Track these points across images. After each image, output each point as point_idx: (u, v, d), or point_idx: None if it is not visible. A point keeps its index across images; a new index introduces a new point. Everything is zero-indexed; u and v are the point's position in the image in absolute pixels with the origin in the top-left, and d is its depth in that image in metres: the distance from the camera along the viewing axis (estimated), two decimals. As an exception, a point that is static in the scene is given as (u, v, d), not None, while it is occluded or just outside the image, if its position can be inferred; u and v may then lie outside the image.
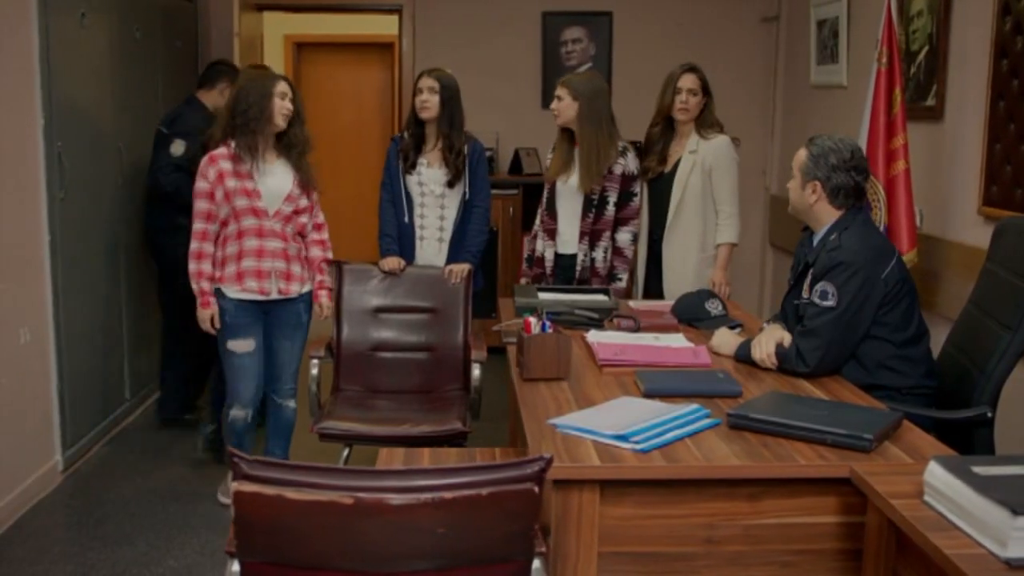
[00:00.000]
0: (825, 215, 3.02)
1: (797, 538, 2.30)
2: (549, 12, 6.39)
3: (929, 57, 4.28)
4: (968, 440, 2.85)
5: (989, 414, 2.82)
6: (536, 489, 1.85)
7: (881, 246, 2.98)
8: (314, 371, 3.79)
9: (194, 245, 3.76)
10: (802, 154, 3.06)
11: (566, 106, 4.16)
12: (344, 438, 3.64)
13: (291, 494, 1.79)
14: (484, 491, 1.82)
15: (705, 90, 4.31)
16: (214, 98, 4.73)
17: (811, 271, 3.01)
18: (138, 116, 5.07)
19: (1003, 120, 3.72)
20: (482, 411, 3.86)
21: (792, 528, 2.30)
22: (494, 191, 5.89)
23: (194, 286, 3.77)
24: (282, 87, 3.73)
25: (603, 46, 6.43)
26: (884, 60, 4.04)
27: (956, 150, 4.11)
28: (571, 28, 6.41)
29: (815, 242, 3.07)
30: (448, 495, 1.80)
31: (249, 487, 1.81)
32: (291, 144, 3.78)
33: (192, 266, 3.76)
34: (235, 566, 2.07)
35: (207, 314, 3.77)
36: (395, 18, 6.73)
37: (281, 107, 3.71)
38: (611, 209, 4.22)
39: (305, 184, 3.83)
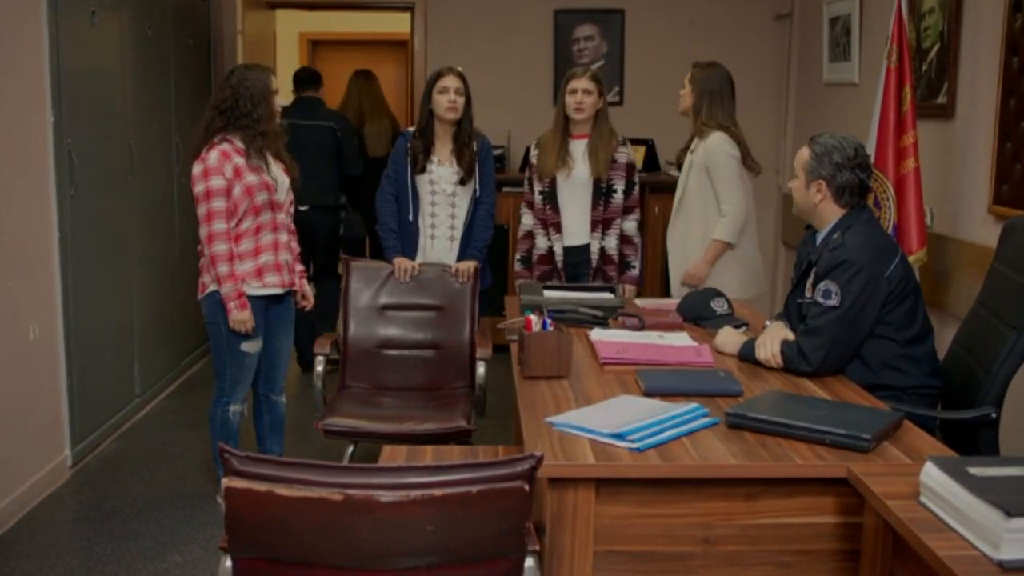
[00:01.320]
0: (829, 214, 3.00)
1: (794, 538, 2.29)
2: (561, 10, 6.38)
3: (940, 55, 4.25)
4: (973, 441, 2.83)
5: (993, 415, 2.79)
6: (526, 487, 1.84)
7: (884, 244, 2.96)
8: (320, 368, 3.80)
9: (223, 247, 3.62)
10: (805, 153, 3.04)
11: (594, 101, 4.27)
12: (349, 435, 3.64)
13: (281, 490, 1.79)
14: (474, 489, 1.82)
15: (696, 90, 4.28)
16: (321, 96, 5.86)
17: (814, 270, 2.99)
18: (149, 114, 5.11)
19: (1014, 118, 3.68)
20: (488, 409, 3.86)
21: (789, 528, 2.28)
22: (505, 189, 5.92)
23: (229, 289, 3.64)
24: (275, 82, 3.75)
25: (615, 44, 6.41)
26: (894, 57, 4.01)
27: (967, 148, 4.07)
28: (583, 26, 6.39)
29: (818, 241, 3.05)
30: (438, 492, 1.80)
31: (239, 483, 1.81)
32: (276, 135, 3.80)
33: (224, 268, 3.62)
34: (228, 562, 2.09)
35: (247, 315, 3.67)
36: (408, 16, 6.74)
37: (277, 103, 3.74)
38: (619, 197, 4.31)
39: (291, 173, 3.87)
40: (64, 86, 4.08)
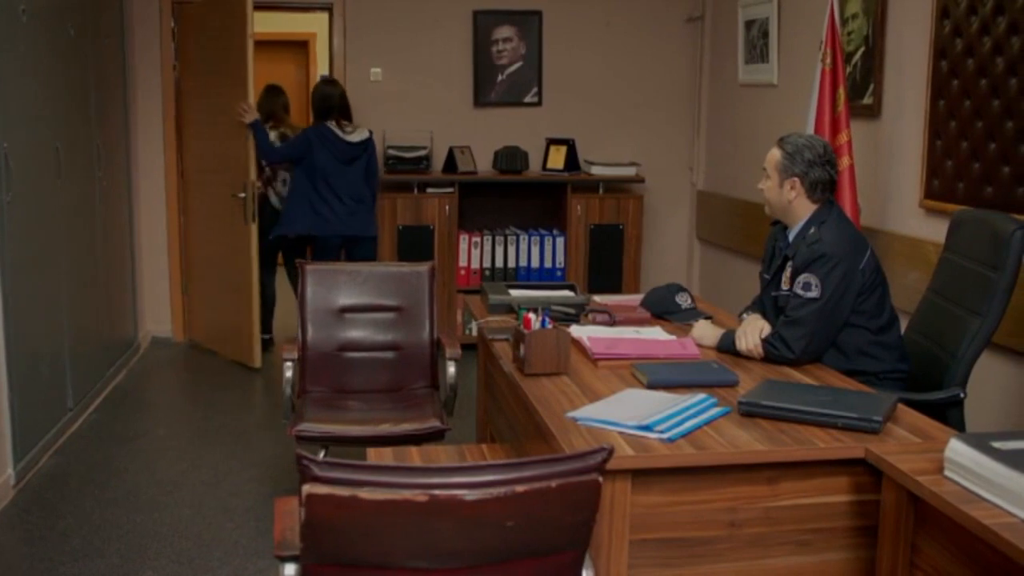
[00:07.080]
0: (802, 210, 3.15)
1: (812, 518, 2.41)
2: (480, 11, 6.41)
3: (865, 58, 4.50)
4: (941, 420, 3.01)
5: (962, 395, 3.00)
6: (600, 479, 1.90)
7: (856, 238, 3.14)
8: (288, 373, 3.75)
9: None
10: (776, 154, 3.18)
11: None
12: (324, 440, 3.61)
13: (365, 494, 1.80)
14: (554, 483, 1.86)
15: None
16: None
17: (791, 264, 3.14)
18: (73, 115, 4.92)
19: (943, 117, 3.93)
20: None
21: (808, 508, 2.41)
22: (430, 189, 6.09)
23: None
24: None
25: (533, 45, 6.50)
26: (828, 60, 4.23)
27: (894, 146, 4.32)
28: (502, 27, 6.45)
29: (791, 236, 3.20)
30: (520, 488, 1.83)
31: (321, 489, 1.81)
32: None
33: None
34: (289, 569, 2.08)
35: None
36: (314, 16, 6.67)
37: None
38: None
39: None
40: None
